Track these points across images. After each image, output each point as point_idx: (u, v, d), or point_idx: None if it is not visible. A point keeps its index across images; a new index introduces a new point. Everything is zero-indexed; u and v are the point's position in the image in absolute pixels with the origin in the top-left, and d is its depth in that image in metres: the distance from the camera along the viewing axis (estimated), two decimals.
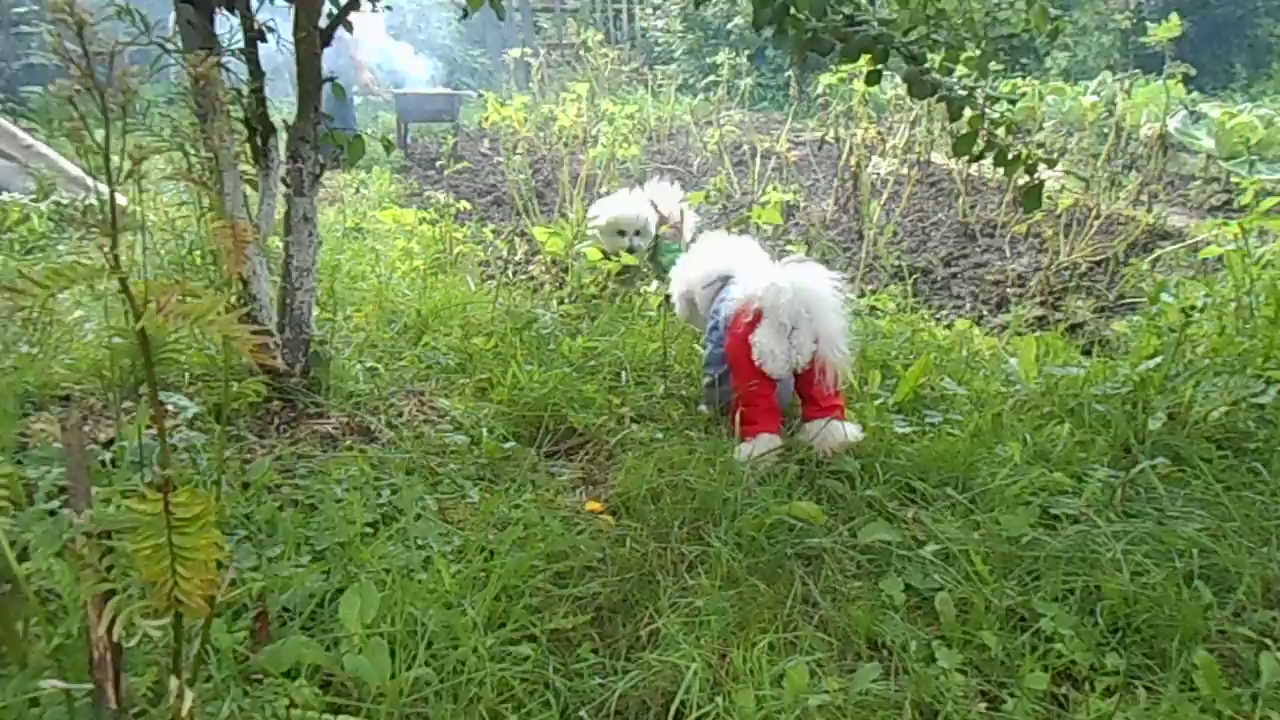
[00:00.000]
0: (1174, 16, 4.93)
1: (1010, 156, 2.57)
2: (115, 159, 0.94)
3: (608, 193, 5.94)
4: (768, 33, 2.55)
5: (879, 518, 2.24)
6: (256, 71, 2.74)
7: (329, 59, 2.82)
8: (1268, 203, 3.81)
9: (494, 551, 2.10)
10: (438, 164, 6.41)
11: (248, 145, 2.80)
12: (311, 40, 2.70)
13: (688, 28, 13.23)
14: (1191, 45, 11.49)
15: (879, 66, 2.55)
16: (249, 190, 2.86)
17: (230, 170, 2.69)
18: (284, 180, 2.86)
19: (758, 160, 6.15)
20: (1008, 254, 4.94)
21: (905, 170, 5.94)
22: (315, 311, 3.24)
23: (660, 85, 10.11)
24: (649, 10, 14.26)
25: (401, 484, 2.44)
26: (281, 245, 2.88)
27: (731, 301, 2.68)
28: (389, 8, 3.17)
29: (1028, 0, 2.69)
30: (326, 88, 2.79)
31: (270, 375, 2.90)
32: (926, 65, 2.54)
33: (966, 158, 2.65)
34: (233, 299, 2.87)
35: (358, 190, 6.71)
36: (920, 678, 1.73)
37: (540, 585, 2.04)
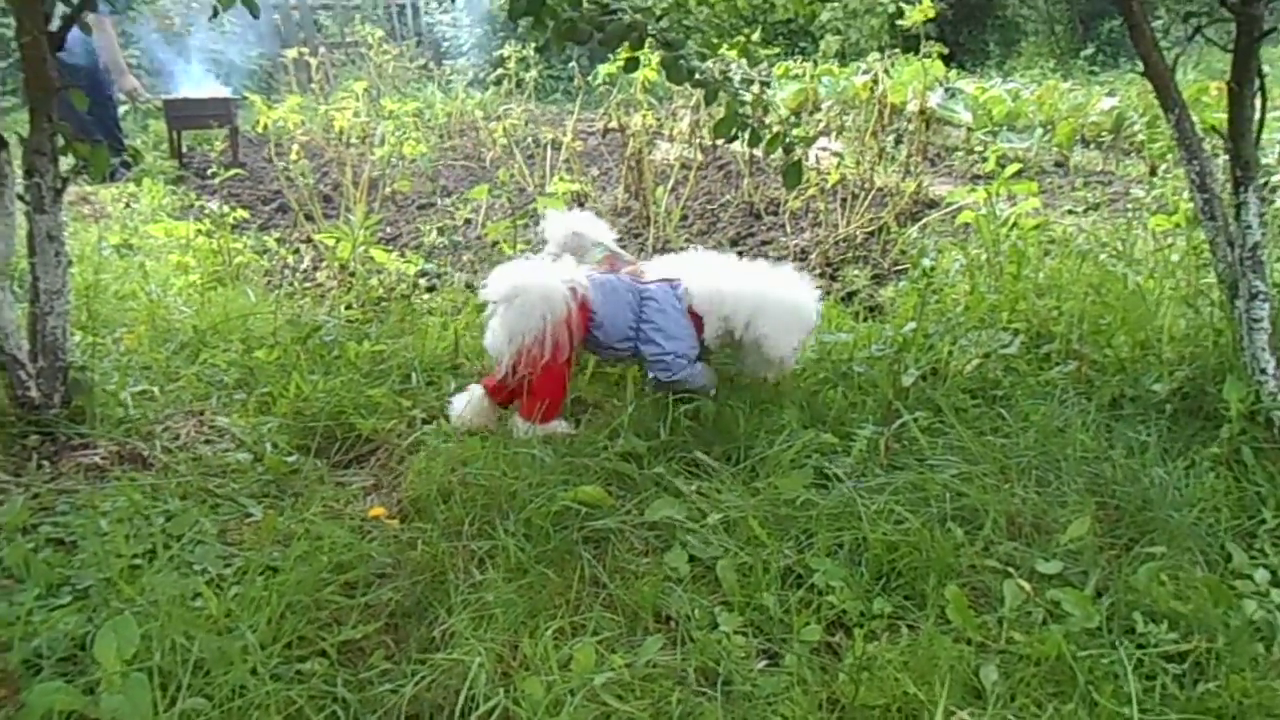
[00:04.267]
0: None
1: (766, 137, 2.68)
2: None
3: (394, 194, 5.80)
4: (525, 23, 2.57)
5: (665, 494, 2.30)
6: None
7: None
8: (1010, 169, 4.14)
9: (276, 569, 2.04)
10: (209, 172, 6.08)
11: None
12: (38, 45, 2.52)
13: (475, 22, 13.08)
14: (951, 26, 12.33)
15: (636, 54, 2.61)
16: None
17: None
18: (21, 198, 2.67)
19: (548, 151, 6.17)
20: (789, 230, 5.15)
21: (692, 154, 6.10)
22: (77, 336, 3.03)
23: (449, 80, 9.95)
24: (434, 5, 14.02)
25: (176, 510, 2.32)
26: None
27: None
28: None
29: None
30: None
31: (24, 408, 2.70)
32: (682, 51, 2.61)
33: (726, 139, 2.74)
34: None
35: (128, 205, 6.29)
36: (703, 643, 1.79)
37: (329, 598, 1.99)
